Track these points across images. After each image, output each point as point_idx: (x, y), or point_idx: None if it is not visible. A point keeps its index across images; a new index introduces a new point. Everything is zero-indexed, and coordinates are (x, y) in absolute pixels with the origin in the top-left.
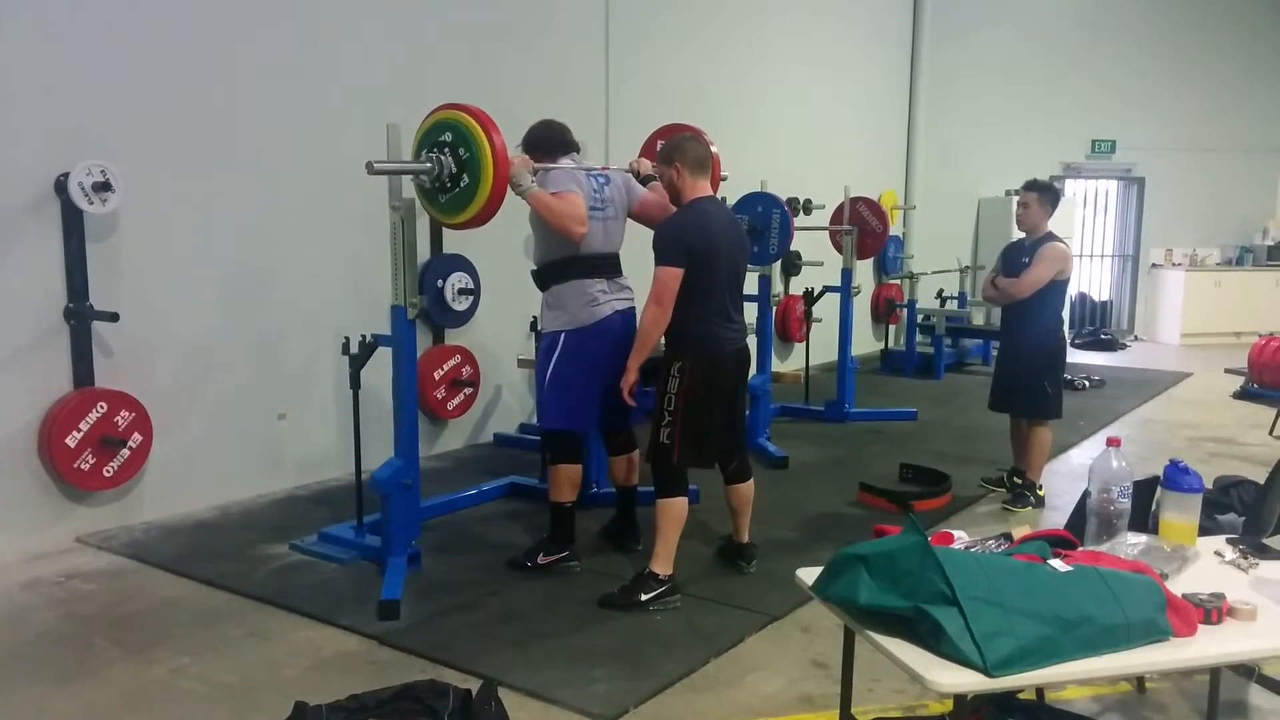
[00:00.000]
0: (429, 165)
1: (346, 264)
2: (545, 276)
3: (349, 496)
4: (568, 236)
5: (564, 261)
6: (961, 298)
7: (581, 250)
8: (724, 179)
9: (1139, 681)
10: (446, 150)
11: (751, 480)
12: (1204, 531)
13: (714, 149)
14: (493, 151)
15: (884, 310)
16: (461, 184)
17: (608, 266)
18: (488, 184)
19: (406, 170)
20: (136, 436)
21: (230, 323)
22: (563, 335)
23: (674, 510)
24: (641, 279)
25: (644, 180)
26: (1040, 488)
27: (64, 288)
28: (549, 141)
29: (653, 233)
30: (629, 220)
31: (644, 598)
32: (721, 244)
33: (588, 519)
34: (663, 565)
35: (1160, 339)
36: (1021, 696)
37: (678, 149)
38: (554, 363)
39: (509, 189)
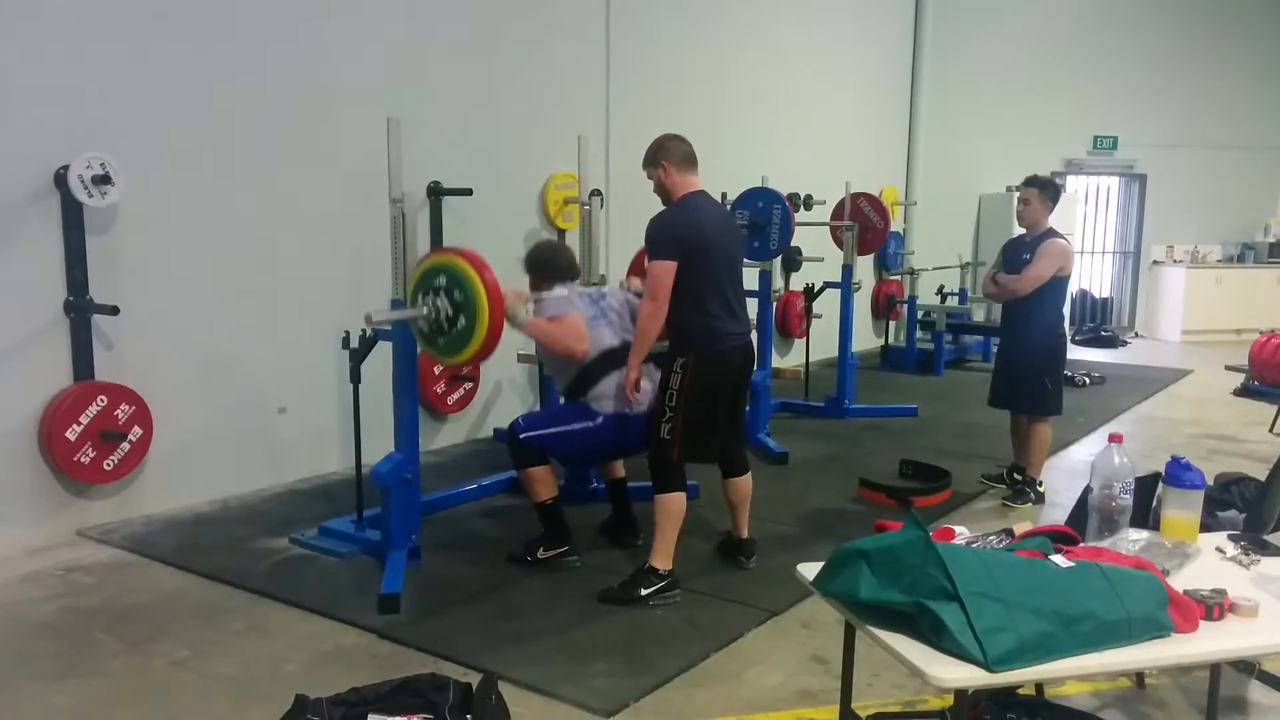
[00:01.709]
0: (425, 311)
1: (347, 258)
2: (577, 391)
3: (349, 491)
4: (571, 357)
5: (587, 370)
6: (962, 294)
7: (595, 353)
8: None
9: (1139, 677)
10: (442, 294)
11: (750, 475)
12: (1205, 528)
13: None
14: (486, 289)
15: (884, 306)
16: (459, 325)
17: (627, 349)
18: (484, 323)
19: (404, 318)
20: (137, 430)
21: (230, 316)
22: (602, 418)
23: (673, 505)
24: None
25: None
26: (1040, 484)
27: (64, 281)
28: (552, 266)
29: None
30: (629, 223)
31: (644, 592)
32: (715, 237)
33: (587, 515)
34: (662, 560)
35: (1161, 336)
36: (1021, 692)
37: (661, 149)
38: (577, 427)
39: (505, 324)
